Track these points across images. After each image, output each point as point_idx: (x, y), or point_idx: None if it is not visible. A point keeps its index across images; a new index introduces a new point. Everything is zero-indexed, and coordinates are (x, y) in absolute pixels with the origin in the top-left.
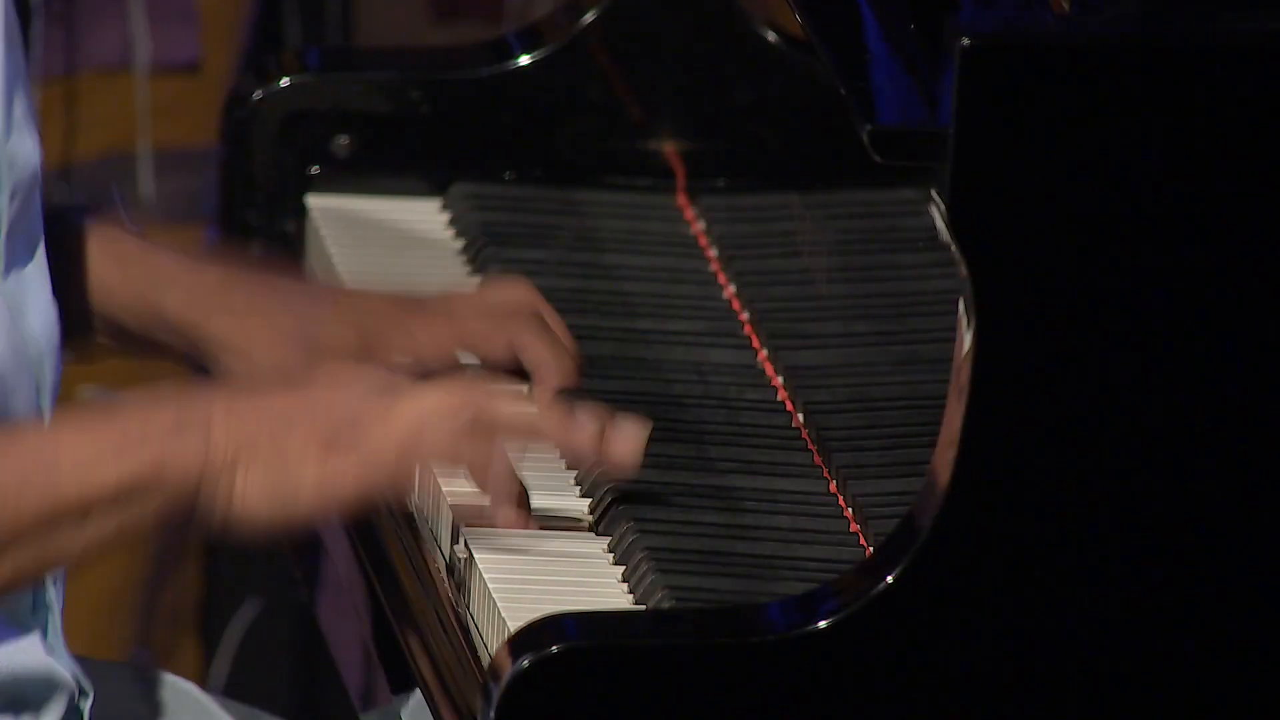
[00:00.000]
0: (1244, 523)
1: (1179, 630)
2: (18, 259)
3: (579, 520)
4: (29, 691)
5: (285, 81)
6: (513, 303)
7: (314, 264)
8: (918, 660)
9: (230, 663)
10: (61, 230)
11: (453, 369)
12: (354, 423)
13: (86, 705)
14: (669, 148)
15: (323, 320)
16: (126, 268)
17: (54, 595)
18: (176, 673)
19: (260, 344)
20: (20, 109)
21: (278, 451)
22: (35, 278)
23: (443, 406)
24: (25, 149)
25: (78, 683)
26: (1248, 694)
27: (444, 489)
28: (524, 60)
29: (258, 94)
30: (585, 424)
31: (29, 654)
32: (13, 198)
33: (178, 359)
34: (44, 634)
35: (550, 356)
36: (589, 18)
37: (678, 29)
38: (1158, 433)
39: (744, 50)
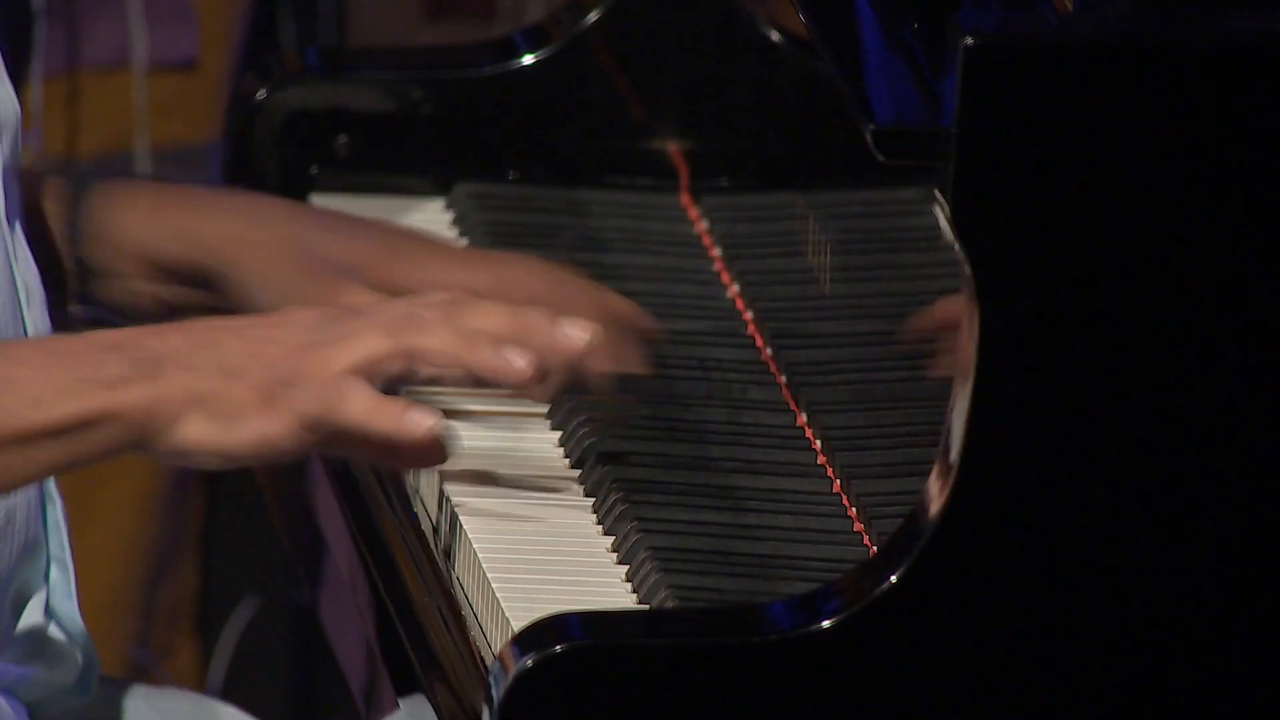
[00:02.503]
0: (1253, 523)
1: (1184, 630)
2: (13, 211)
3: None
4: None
5: (287, 81)
6: (530, 280)
7: None
8: (921, 660)
9: (228, 661)
10: (83, 187)
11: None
12: (290, 376)
13: (88, 674)
14: (672, 147)
15: (327, 232)
16: (158, 200)
17: (60, 552)
18: (174, 671)
19: (264, 250)
20: None
21: (219, 405)
22: (20, 230)
23: (370, 358)
24: (3, 92)
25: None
26: (1252, 695)
27: (449, 494)
28: (527, 60)
29: (260, 94)
30: (514, 357)
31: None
32: (1, 135)
33: (186, 296)
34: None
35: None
36: (592, 17)
37: (681, 28)
38: (1162, 432)
39: (747, 50)
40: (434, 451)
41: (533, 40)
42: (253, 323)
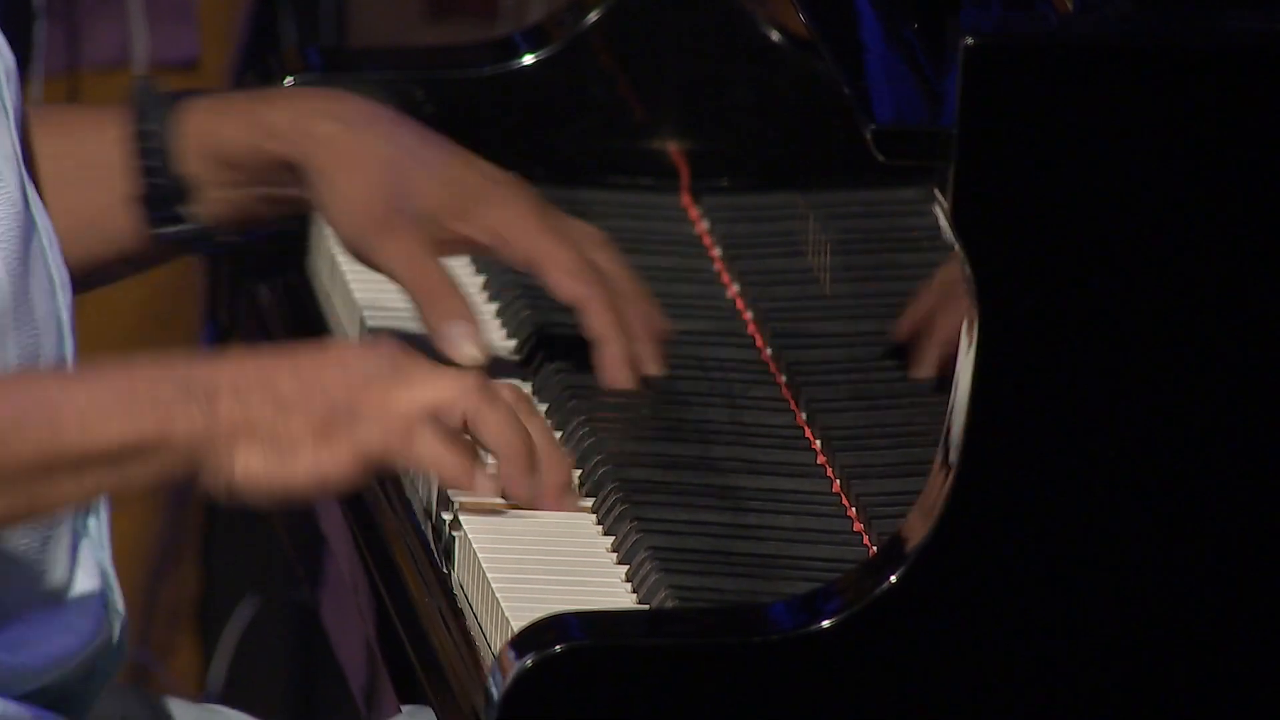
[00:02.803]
0: (1252, 523)
1: (1183, 630)
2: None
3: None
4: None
5: (289, 81)
6: (604, 261)
7: (319, 264)
8: (921, 660)
9: (229, 661)
10: (144, 100)
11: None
12: (350, 411)
13: (117, 625)
14: (673, 147)
15: (420, 165)
16: (221, 106)
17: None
18: (175, 671)
19: (354, 167)
20: None
21: (275, 435)
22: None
23: (438, 401)
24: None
25: (107, 600)
26: (1252, 695)
27: (450, 494)
28: (528, 60)
29: None
30: (554, 469)
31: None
32: (8, 80)
33: (279, 195)
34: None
35: (615, 339)
36: (593, 17)
37: (681, 28)
38: (1162, 431)
39: (748, 50)
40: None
41: (533, 40)
42: (309, 359)
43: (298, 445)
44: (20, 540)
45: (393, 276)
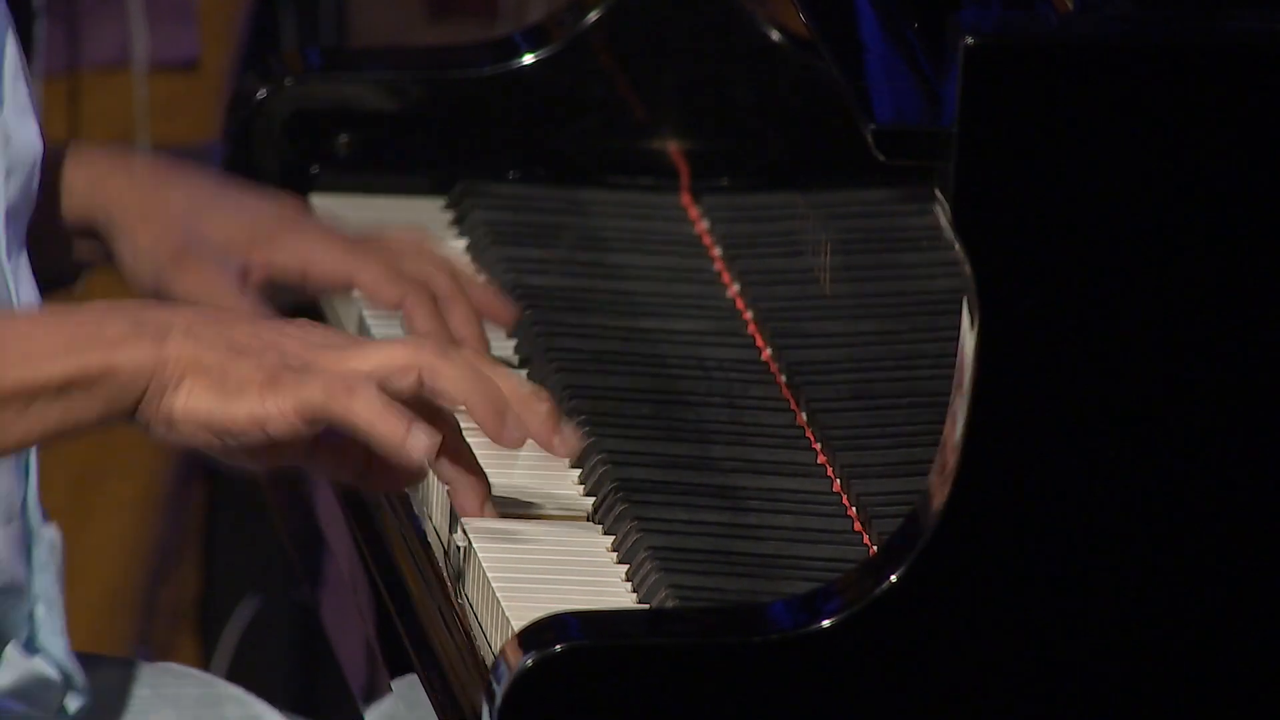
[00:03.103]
0: (1253, 523)
1: (1184, 630)
2: (16, 245)
3: (575, 508)
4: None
5: (288, 81)
6: (417, 266)
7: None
8: (921, 660)
9: (229, 660)
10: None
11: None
12: (300, 368)
13: (74, 705)
14: (673, 147)
15: (217, 206)
16: (89, 158)
17: (48, 590)
18: None
19: (145, 216)
20: (21, 94)
21: (222, 378)
22: (25, 263)
23: (389, 362)
24: (25, 132)
25: (66, 679)
26: (1252, 695)
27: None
28: (528, 59)
29: (261, 93)
30: (531, 408)
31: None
32: (9, 175)
33: (81, 253)
34: (31, 635)
35: (441, 335)
36: (593, 17)
37: (682, 28)
38: (1162, 431)
39: (748, 49)
40: (415, 475)
41: (533, 40)
42: (270, 321)
43: (244, 387)
44: None
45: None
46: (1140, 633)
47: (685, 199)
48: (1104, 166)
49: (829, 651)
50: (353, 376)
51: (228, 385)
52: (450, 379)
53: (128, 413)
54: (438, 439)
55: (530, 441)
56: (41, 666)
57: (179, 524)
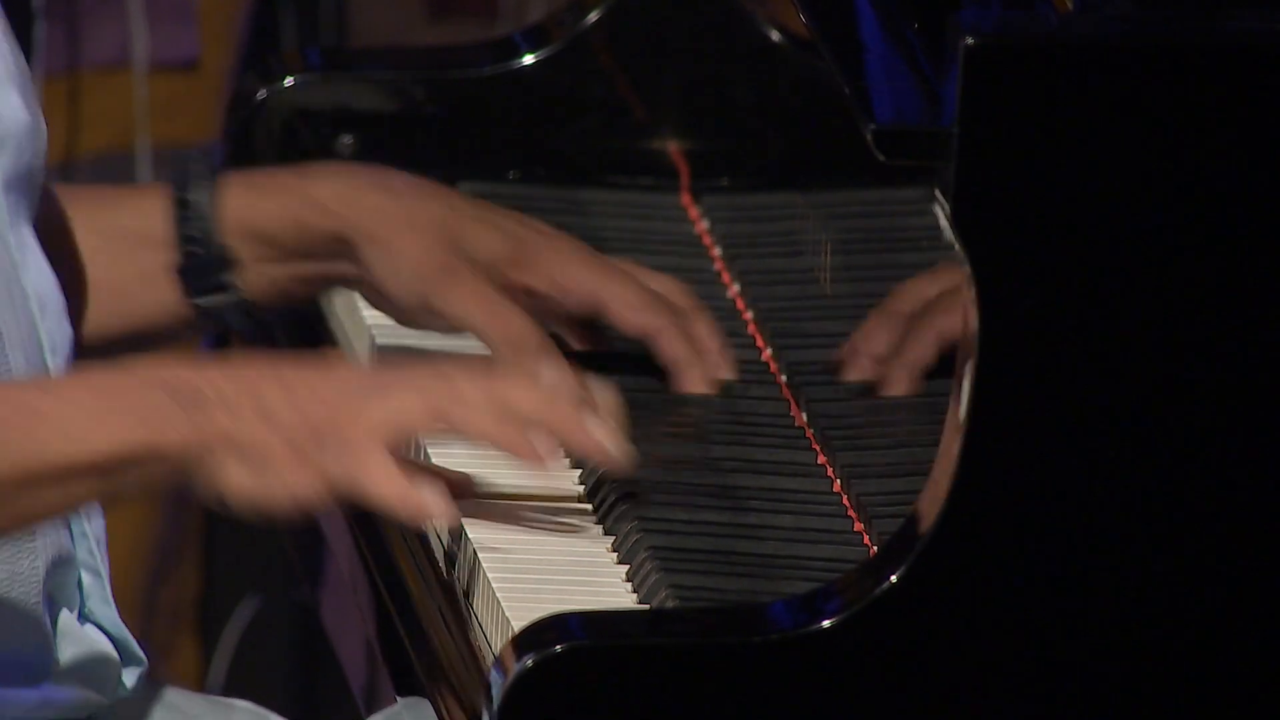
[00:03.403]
0: (1253, 523)
1: (1184, 630)
2: (20, 217)
3: (572, 498)
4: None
5: (289, 81)
6: (667, 293)
7: (337, 313)
8: (921, 660)
9: (229, 661)
10: (185, 172)
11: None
12: (319, 434)
13: (131, 679)
14: (673, 147)
15: (476, 222)
16: (262, 181)
17: (90, 558)
18: (176, 670)
19: (408, 233)
20: (2, 68)
21: (254, 455)
22: (31, 238)
23: (398, 419)
24: (9, 104)
25: (120, 651)
26: (1252, 695)
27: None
28: (528, 59)
29: (261, 93)
30: (540, 443)
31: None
32: (1, 146)
33: (324, 271)
34: (82, 604)
35: (692, 361)
36: (593, 17)
37: (682, 28)
38: (1162, 432)
39: (748, 50)
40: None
41: (533, 40)
42: (295, 373)
43: (275, 464)
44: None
45: (466, 324)
46: (1140, 632)
47: (685, 199)
48: (1104, 166)
49: (829, 651)
50: (367, 446)
51: (261, 463)
52: (467, 425)
53: (171, 487)
54: (445, 507)
55: None
56: (96, 639)
57: (179, 524)
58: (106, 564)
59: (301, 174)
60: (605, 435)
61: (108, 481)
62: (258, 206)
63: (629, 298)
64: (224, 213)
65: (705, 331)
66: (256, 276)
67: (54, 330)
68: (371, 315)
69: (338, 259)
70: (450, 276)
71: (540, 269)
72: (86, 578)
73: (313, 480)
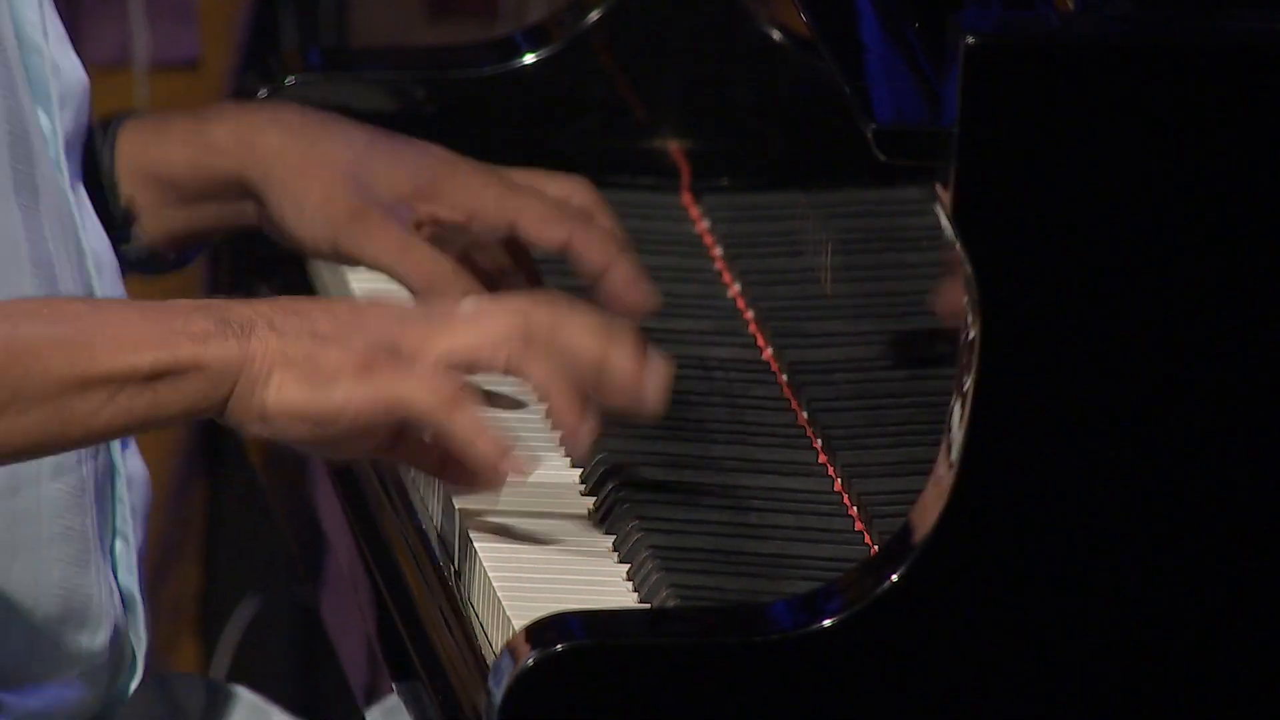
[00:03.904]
0: (1253, 524)
1: (1184, 630)
2: (75, 176)
3: (576, 507)
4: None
5: (289, 81)
6: (574, 200)
7: (319, 264)
8: (923, 660)
9: (230, 659)
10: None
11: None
12: (393, 347)
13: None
14: (673, 147)
15: (377, 158)
16: (159, 125)
17: (125, 525)
18: (176, 669)
19: (309, 173)
20: (60, 25)
21: (313, 366)
22: (86, 198)
23: (476, 352)
24: (69, 63)
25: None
26: (1252, 695)
27: (451, 493)
28: (528, 59)
29: (262, 93)
30: (652, 367)
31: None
32: (63, 105)
33: (226, 215)
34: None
35: (616, 264)
36: (593, 17)
37: (682, 28)
38: (1163, 432)
39: (749, 49)
40: (495, 485)
41: (534, 40)
42: (345, 304)
43: (337, 375)
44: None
45: (380, 267)
46: (1140, 632)
47: (686, 199)
48: (1104, 166)
49: (829, 651)
50: (450, 383)
51: (320, 374)
52: (534, 369)
53: (216, 408)
54: (523, 467)
55: (530, 440)
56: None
57: (179, 523)
58: (138, 536)
59: (199, 116)
60: (659, 375)
61: (152, 394)
62: (155, 152)
63: (540, 213)
64: (121, 162)
65: (608, 232)
66: (156, 220)
67: (109, 290)
68: (358, 281)
69: (239, 201)
70: (358, 221)
71: (446, 198)
72: (119, 544)
73: (378, 393)
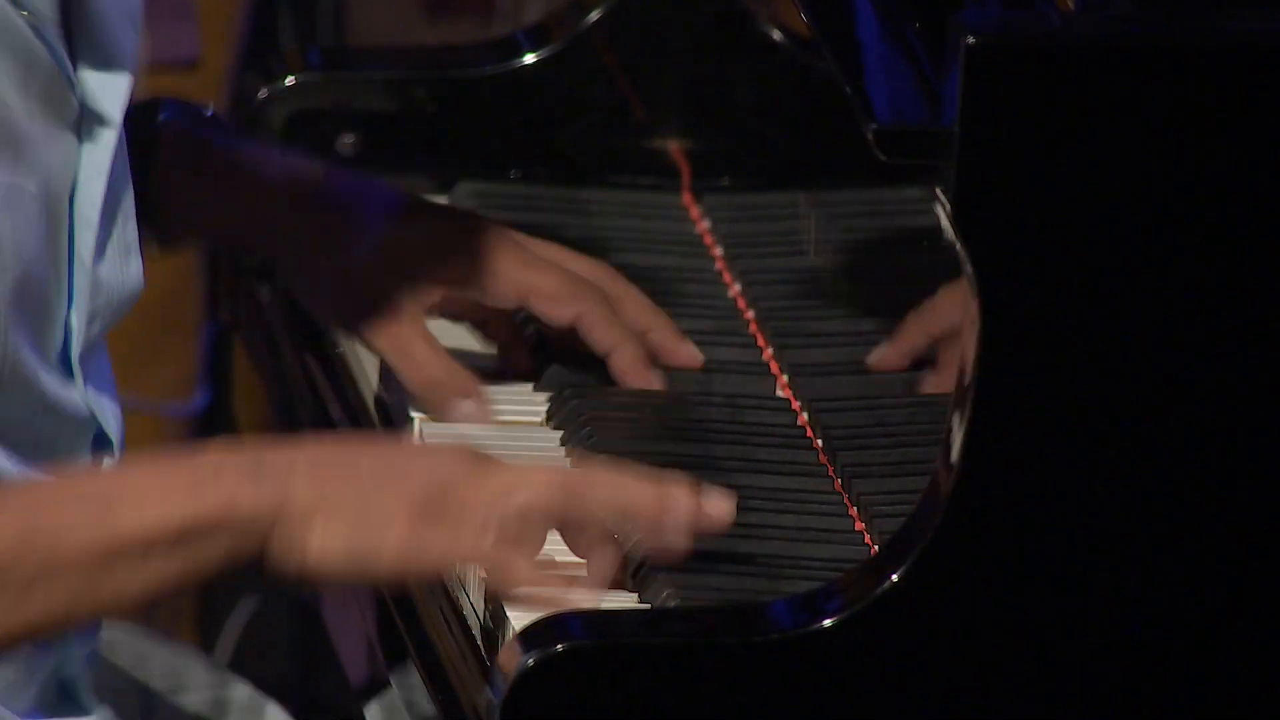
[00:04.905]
0: (1254, 524)
1: (1184, 630)
2: (89, 378)
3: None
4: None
5: (290, 80)
6: (592, 276)
7: None
8: (923, 659)
9: (230, 657)
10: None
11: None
12: (445, 490)
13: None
14: (674, 146)
15: (395, 227)
16: (200, 182)
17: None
18: None
19: (320, 258)
20: (127, 234)
21: (364, 510)
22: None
23: (530, 504)
24: (120, 277)
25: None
26: (1252, 695)
27: None
28: (529, 59)
29: (263, 93)
30: (680, 498)
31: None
32: (91, 321)
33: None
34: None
35: (625, 347)
36: (594, 16)
37: (683, 27)
38: (1164, 432)
39: (749, 49)
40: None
41: (534, 39)
42: (387, 446)
43: (390, 520)
44: None
45: (381, 357)
46: (1140, 632)
47: (686, 198)
48: (1104, 166)
49: (829, 651)
50: (503, 532)
51: (371, 521)
52: (583, 534)
53: (254, 556)
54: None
55: (529, 439)
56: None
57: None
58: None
59: (226, 171)
60: (723, 512)
61: (183, 556)
62: (183, 198)
63: (550, 289)
64: (153, 186)
65: (639, 312)
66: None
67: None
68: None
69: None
70: (362, 311)
71: (460, 269)
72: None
73: (436, 543)
